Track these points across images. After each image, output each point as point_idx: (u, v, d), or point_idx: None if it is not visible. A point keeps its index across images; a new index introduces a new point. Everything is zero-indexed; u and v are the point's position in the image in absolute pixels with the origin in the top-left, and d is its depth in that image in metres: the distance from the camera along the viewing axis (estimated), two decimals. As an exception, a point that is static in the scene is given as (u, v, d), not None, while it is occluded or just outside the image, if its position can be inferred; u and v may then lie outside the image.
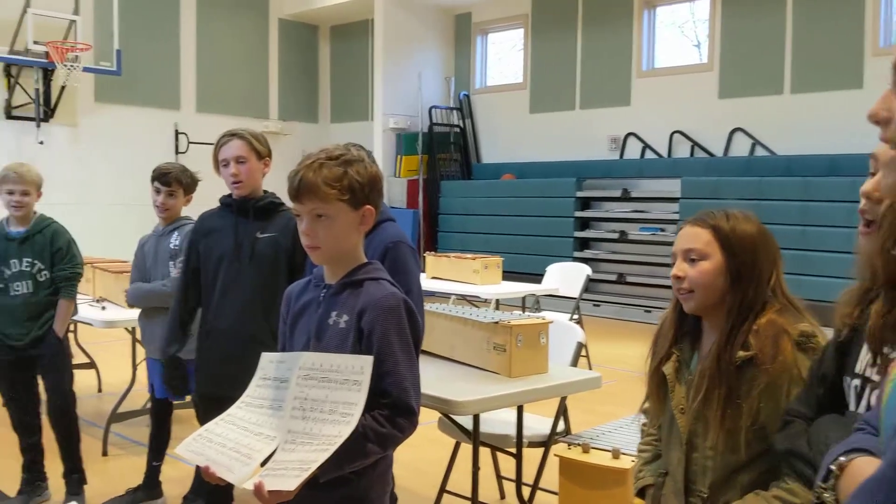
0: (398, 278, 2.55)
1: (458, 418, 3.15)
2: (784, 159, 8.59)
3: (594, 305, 9.49)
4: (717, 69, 9.32)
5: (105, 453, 4.34)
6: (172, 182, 3.51)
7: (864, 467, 0.95)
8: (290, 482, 1.55)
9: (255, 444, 1.67)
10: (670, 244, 7.81)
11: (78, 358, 5.91)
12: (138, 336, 4.00)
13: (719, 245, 1.83)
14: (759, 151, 8.97)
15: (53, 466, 3.66)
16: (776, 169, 8.54)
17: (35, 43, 9.38)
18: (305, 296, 1.88)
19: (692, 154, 9.51)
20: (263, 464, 1.65)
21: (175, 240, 3.55)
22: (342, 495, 1.74)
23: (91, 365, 5.63)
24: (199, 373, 2.96)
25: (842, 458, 1.00)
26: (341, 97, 12.95)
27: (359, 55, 12.49)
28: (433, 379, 2.95)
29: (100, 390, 5.66)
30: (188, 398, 3.55)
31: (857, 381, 1.43)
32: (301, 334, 1.84)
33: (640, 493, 2.04)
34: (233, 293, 2.86)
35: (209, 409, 2.87)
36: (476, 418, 3.05)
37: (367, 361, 1.67)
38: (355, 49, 12.59)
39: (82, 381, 5.61)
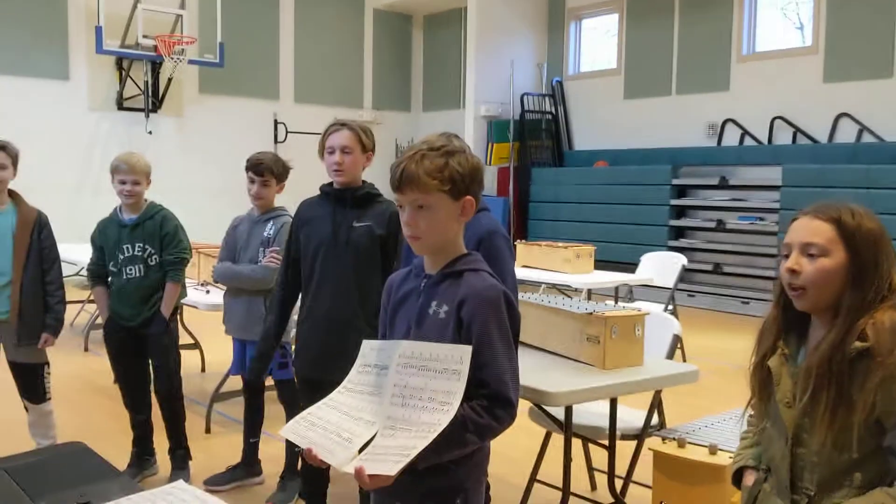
0: (492, 268, 2.56)
1: (549, 409, 3.16)
2: (894, 146, 8.19)
3: (689, 296, 9.29)
4: (822, 52, 8.94)
5: (208, 430, 4.54)
6: (265, 172, 3.61)
7: None
8: (391, 467, 1.59)
9: (355, 429, 1.71)
10: (770, 234, 7.64)
11: (183, 339, 6.20)
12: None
13: (843, 242, 1.73)
14: (867, 138, 8.58)
15: (161, 442, 3.85)
16: (885, 156, 8.15)
17: (144, 37, 9.80)
18: (406, 285, 1.91)
19: (794, 141, 9.17)
20: (362, 448, 1.69)
21: (269, 229, 3.65)
22: (439, 483, 1.77)
23: (195, 345, 5.88)
24: (299, 356, 3.05)
25: None
26: (433, 86, 13.03)
27: (451, 44, 12.53)
28: (525, 369, 2.90)
29: (203, 370, 5.90)
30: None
31: None
32: (401, 323, 1.88)
33: (736, 478, 1.98)
34: (330, 280, 2.94)
35: (308, 390, 2.97)
36: (568, 409, 3.04)
37: (466, 351, 1.69)
38: (448, 37, 12.63)
39: (187, 361, 5.84)
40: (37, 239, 3.56)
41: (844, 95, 8.75)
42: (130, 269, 3.62)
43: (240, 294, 3.72)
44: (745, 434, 2.05)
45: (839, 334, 1.71)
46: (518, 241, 7.18)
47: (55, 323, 3.60)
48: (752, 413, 2.04)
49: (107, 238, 3.66)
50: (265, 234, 3.67)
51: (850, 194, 7.66)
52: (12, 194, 3.60)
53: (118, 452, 3.88)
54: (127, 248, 3.62)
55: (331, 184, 3.02)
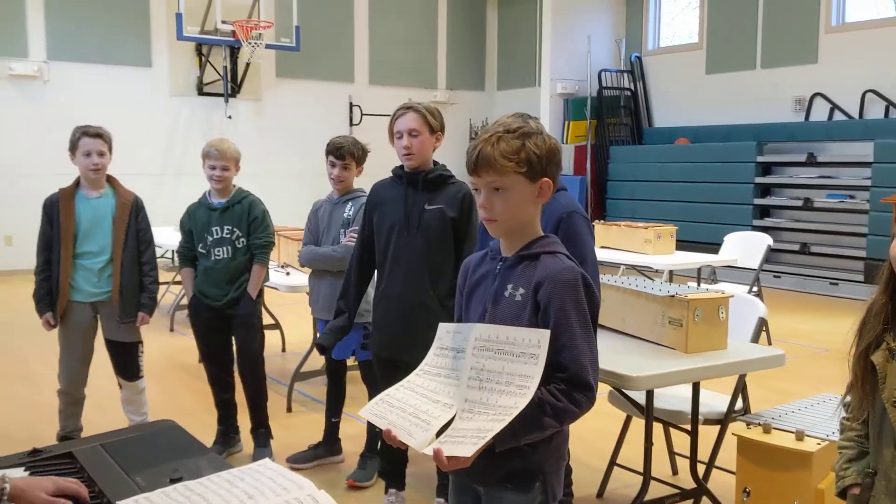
0: (572, 249, 2.51)
1: (630, 393, 3.11)
2: None
3: (774, 277, 9.02)
4: (920, 20, 8.49)
5: (289, 409, 4.63)
6: (346, 155, 3.66)
7: None
8: (468, 449, 1.59)
9: (433, 411, 1.72)
10: (860, 212, 7.35)
11: (265, 320, 6.33)
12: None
13: None
14: (968, 110, 8.13)
15: (244, 421, 3.95)
16: None
17: (223, 22, 9.98)
18: (482, 268, 1.90)
19: (887, 115, 8.75)
20: (441, 431, 1.69)
21: (349, 210, 3.71)
22: (518, 466, 1.76)
23: (276, 326, 6.00)
24: (375, 337, 3.08)
25: None
26: (508, 64, 12.91)
27: (526, 20, 12.38)
28: (605, 351, 2.85)
29: (284, 350, 6.02)
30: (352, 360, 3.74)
31: None
32: (477, 305, 1.87)
33: (842, 493, 1.85)
34: (402, 261, 2.95)
35: (384, 369, 3.01)
36: (650, 394, 2.99)
37: (544, 335, 1.67)
38: (523, 14, 12.48)
39: (268, 342, 5.96)
40: (134, 221, 3.69)
41: (943, 65, 8.30)
42: (219, 251, 3.72)
43: (324, 275, 3.79)
44: (843, 443, 1.91)
45: None
46: (596, 221, 7.07)
47: (150, 302, 3.73)
48: (846, 416, 1.91)
49: (196, 221, 3.77)
50: (345, 214, 3.73)
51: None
52: (110, 179, 3.73)
53: (204, 429, 4.00)
54: (216, 230, 3.73)
55: (402, 166, 3.03)
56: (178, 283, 4.16)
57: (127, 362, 3.78)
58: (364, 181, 3.58)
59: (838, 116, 9.18)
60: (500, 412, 1.63)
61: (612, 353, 2.92)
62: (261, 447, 3.85)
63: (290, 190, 10.29)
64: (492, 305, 1.82)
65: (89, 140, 3.57)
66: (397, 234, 2.97)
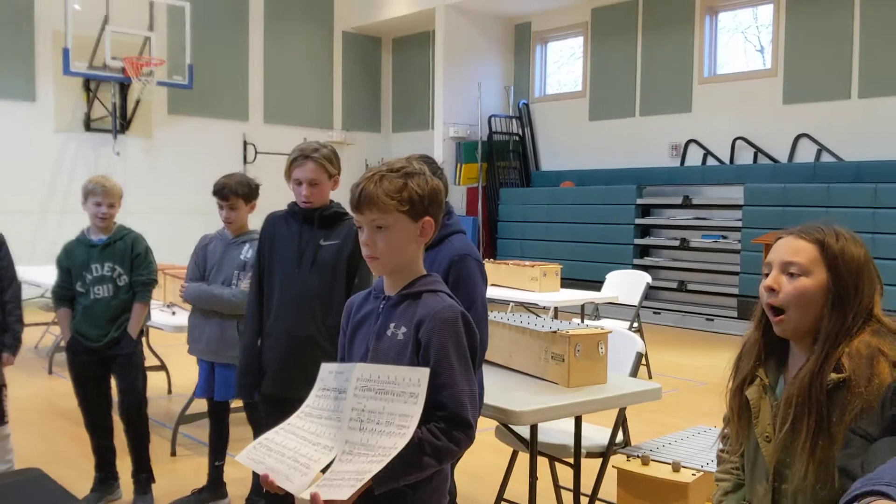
0: (462, 291, 2.57)
1: (515, 427, 3.19)
2: (852, 165, 8.39)
3: (654, 313, 9.40)
4: (782, 74, 9.15)
5: (174, 453, 4.49)
6: (230, 196, 3.61)
7: None
8: (345, 492, 1.58)
9: (313, 454, 1.69)
10: (733, 251, 7.78)
11: (149, 361, 6.14)
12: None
13: (825, 264, 1.69)
14: (826, 157, 8.78)
15: (124, 466, 3.81)
16: (844, 175, 8.34)
17: (112, 59, 9.74)
18: (365, 307, 1.92)
19: (755, 160, 9.35)
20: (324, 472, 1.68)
21: (246, 251, 3.63)
22: None
23: (162, 367, 5.83)
24: (264, 374, 3.03)
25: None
26: (403, 107, 13.10)
27: (420, 66, 12.62)
28: (491, 387, 2.97)
29: (170, 392, 5.85)
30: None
31: None
32: (360, 345, 1.88)
33: None
34: (293, 297, 2.93)
35: (270, 407, 2.95)
36: (534, 428, 3.07)
37: (423, 374, 1.68)
38: (417, 60, 12.73)
39: (153, 384, 5.79)
40: None
41: (804, 116, 8.95)
42: (98, 289, 3.61)
43: (212, 316, 3.68)
44: (720, 475, 1.95)
45: (817, 362, 1.66)
46: (487, 259, 7.22)
47: (14, 342, 3.57)
48: (723, 448, 1.97)
49: (74, 259, 3.64)
50: (242, 256, 3.64)
51: (810, 212, 7.83)
52: None
53: (81, 477, 3.84)
54: (96, 267, 3.61)
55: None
56: (57, 323, 4.00)
57: None
58: (259, 219, 3.56)
59: (711, 161, 9.73)
60: (379, 453, 1.62)
61: (497, 389, 2.99)
62: (141, 494, 3.72)
63: (181, 228, 10.02)
64: (374, 345, 1.83)
65: None
66: (290, 270, 2.95)
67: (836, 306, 1.69)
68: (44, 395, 5.68)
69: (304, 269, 2.94)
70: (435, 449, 1.70)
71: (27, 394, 5.69)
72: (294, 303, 2.94)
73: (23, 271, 4.32)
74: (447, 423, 1.72)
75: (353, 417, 1.71)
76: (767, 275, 1.76)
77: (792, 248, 1.73)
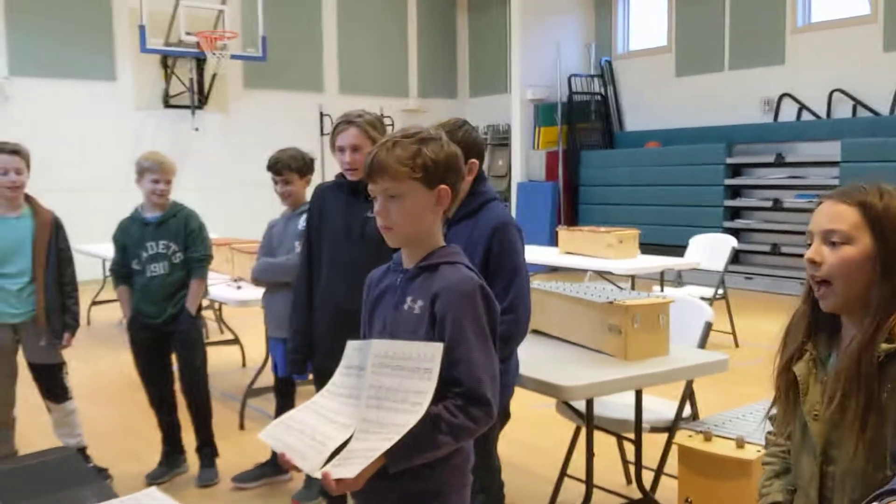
0: (507, 259, 2.49)
1: (574, 402, 3.04)
2: (962, 115, 7.75)
3: (746, 278, 8.99)
4: (882, 19, 8.50)
5: (242, 426, 4.53)
6: (283, 170, 3.61)
7: None
8: (352, 469, 1.53)
9: (330, 433, 1.65)
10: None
11: (223, 335, 6.25)
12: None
13: (868, 227, 1.54)
14: (933, 107, 8.14)
15: (192, 439, 3.85)
16: (952, 126, 7.72)
17: (187, 34, 9.90)
18: (384, 281, 1.84)
19: (854, 114, 8.75)
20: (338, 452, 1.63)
21: (303, 222, 3.62)
22: (415, 488, 1.69)
23: (235, 341, 5.91)
24: (315, 347, 3.00)
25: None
26: (479, 71, 12.88)
27: (496, 27, 12.35)
28: (545, 361, 2.86)
29: (244, 365, 5.93)
30: (310, 376, 3.65)
31: None
32: (378, 321, 1.81)
33: None
34: (342, 270, 2.87)
35: (323, 382, 2.91)
36: (589, 403, 2.92)
37: (437, 349, 1.61)
38: (493, 21, 12.46)
39: (228, 358, 5.92)
40: (54, 241, 3.59)
41: (907, 64, 8.31)
42: (154, 267, 3.63)
43: (277, 291, 3.68)
44: (768, 459, 1.84)
45: (867, 334, 1.53)
46: (560, 226, 7.01)
47: (74, 322, 3.64)
48: (771, 430, 1.86)
49: (129, 236, 3.68)
50: (300, 227, 3.64)
51: (914, 167, 7.29)
52: (28, 198, 3.62)
53: (152, 449, 3.91)
54: (151, 245, 3.64)
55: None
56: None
57: (51, 385, 3.67)
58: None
59: (806, 116, 9.18)
60: (391, 431, 1.57)
61: (553, 362, 2.87)
62: (206, 467, 3.77)
63: (258, 203, 10.17)
64: (391, 320, 1.76)
65: (5, 157, 3.46)
66: (338, 242, 2.90)
67: (886, 273, 1.53)
68: (123, 368, 5.84)
69: (351, 240, 2.88)
70: (451, 427, 1.62)
71: (106, 369, 5.87)
72: (343, 275, 2.88)
73: (107, 249, 4.42)
74: (464, 399, 1.64)
75: (370, 395, 1.66)
76: (810, 245, 1.60)
77: (832, 215, 1.58)
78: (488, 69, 12.62)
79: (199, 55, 10.15)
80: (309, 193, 3.71)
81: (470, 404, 1.63)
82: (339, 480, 1.55)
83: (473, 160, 2.52)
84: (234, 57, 10.26)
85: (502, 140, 12.11)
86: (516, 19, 11.16)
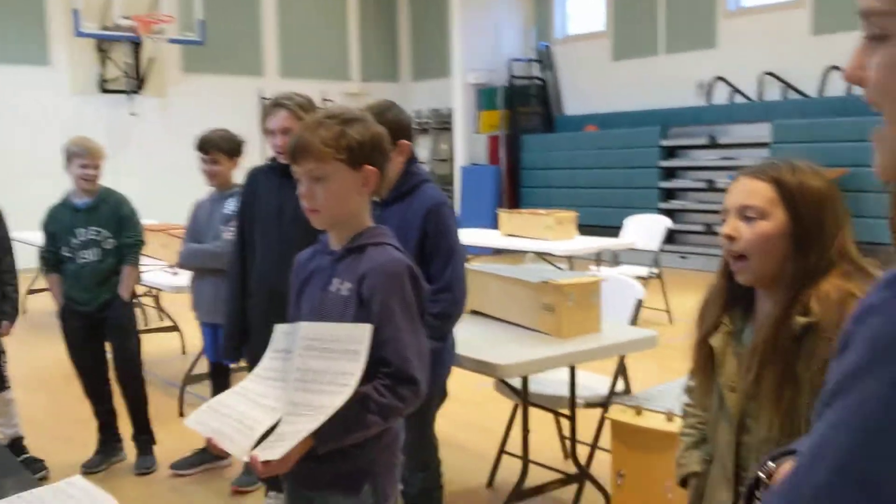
0: (444, 240, 2.52)
1: (510, 380, 3.11)
2: (885, 97, 8.02)
3: (681, 258, 9.20)
4: (811, 4, 8.75)
5: (181, 413, 4.51)
6: (210, 150, 3.59)
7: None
8: (279, 451, 1.54)
9: (258, 416, 1.66)
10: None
11: (162, 322, 6.18)
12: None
13: (783, 203, 1.57)
14: (857, 91, 8.38)
15: (128, 428, 3.82)
16: (876, 108, 7.99)
17: (123, 18, 9.67)
18: (312, 263, 1.85)
19: (784, 96, 9.01)
20: (267, 436, 1.64)
21: (230, 205, 3.61)
22: (345, 468, 1.71)
23: (174, 328, 5.85)
24: (250, 332, 3.00)
25: (770, 464, 0.84)
26: (421, 55, 12.86)
27: (438, 11, 12.33)
28: (482, 341, 2.91)
29: (184, 352, 5.87)
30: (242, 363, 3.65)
31: None
32: (306, 303, 1.82)
33: (683, 482, 1.82)
34: (275, 254, 2.86)
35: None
36: (525, 381, 2.99)
37: (365, 330, 1.62)
38: (434, 4, 12.43)
39: (167, 345, 5.86)
40: None
41: (834, 47, 8.54)
42: (85, 254, 3.58)
43: (205, 276, 3.68)
44: (685, 430, 1.87)
45: (782, 307, 1.57)
46: (501, 209, 7.09)
47: (12, 311, 3.58)
48: (689, 402, 1.89)
49: (59, 223, 3.61)
50: (225, 210, 3.63)
51: (840, 148, 7.54)
52: None
53: (90, 438, 3.86)
54: (81, 232, 3.58)
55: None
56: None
57: None
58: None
59: (738, 99, 9.40)
60: (319, 412, 1.58)
61: (489, 342, 2.93)
62: (143, 455, 3.75)
63: (197, 188, 10.02)
64: (319, 302, 1.77)
65: None
66: (271, 225, 2.89)
67: (800, 247, 1.57)
68: (57, 357, 5.74)
69: (284, 224, 2.87)
70: (380, 406, 1.64)
71: (44, 359, 5.75)
72: (276, 259, 2.87)
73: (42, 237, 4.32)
74: (392, 379, 1.66)
75: (297, 378, 1.66)
76: (725, 221, 1.64)
77: (747, 191, 1.61)
78: (430, 53, 12.61)
79: (135, 39, 9.93)
80: (239, 177, 3.73)
81: (398, 384, 1.65)
82: (266, 462, 1.56)
83: (403, 141, 2.53)
84: (171, 41, 10.08)
85: (445, 124, 12.13)
86: (457, 3, 11.17)
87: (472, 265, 3.00)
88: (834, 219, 1.59)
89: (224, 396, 1.76)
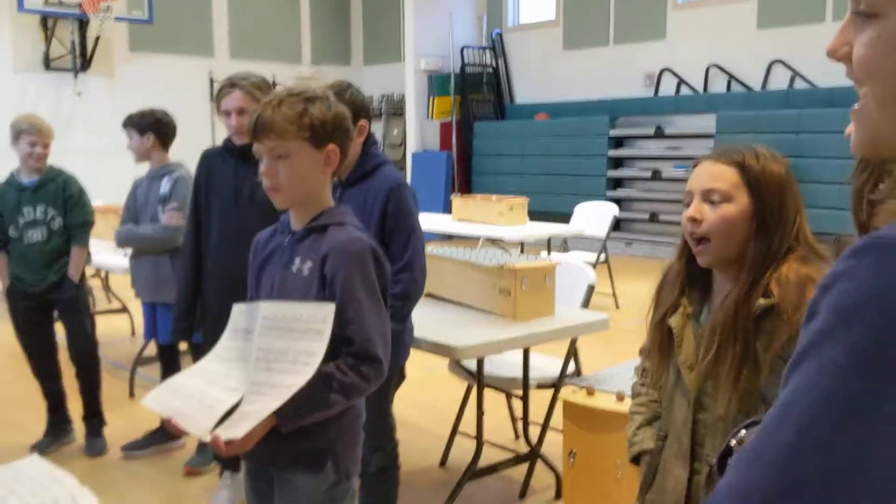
0: (404, 221, 2.55)
1: (464, 362, 3.17)
2: (825, 91, 8.28)
3: (626, 245, 9.38)
4: (756, -2, 8.97)
5: (132, 395, 4.47)
6: (125, 126, 3.61)
7: None
8: (241, 430, 1.55)
9: (219, 395, 1.66)
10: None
11: (112, 304, 6.10)
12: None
13: (746, 186, 1.61)
14: (799, 84, 8.66)
15: (78, 409, 3.78)
16: (817, 101, 8.24)
17: (68, -7, 9.43)
18: (271, 243, 1.85)
19: (729, 88, 9.22)
20: (228, 415, 1.64)
21: (165, 185, 3.61)
22: (307, 446, 1.72)
23: (124, 310, 5.78)
24: (205, 315, 2.99)
25: (742, 432, 0.86)
26: (373, 39, 12.80)
27: (390, -5, 12.30)
28: (439, 323, 2.96)
29: (133, 334, 5.80)
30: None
31: None
32: (266, 283, 1.82)
33: (635, 459, 1.85)
34: (232, 237, 2.85)
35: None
36: (480, 362, 3.05)
37: (329, 309, 1.63)
38: (386, -11, 12.39)
39: (117, 326, 5.79)
40: None
41: (777, 42, 8.80)
42: (32, 233, 3.52)
43: (144, 256, 3.69)
44: (635, 408, 1.90)
45: (744, 289, 1.60)
46: (454, 194, 7.14)
47: None
48: (640, 381, 1.93)
49: (5, 202, 3.54)
50: (161, 191, 3.62)
51: (782, 139, 7.75)
52: None
53: (40, 420, 3.81)
54: (28, 211, 3.52)
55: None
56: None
57: None
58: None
59: (685, 91, 9.60)
60: (282, 391, 1.59)
61: (446, 324, 2.97)
62: (94, 437, 3.71)
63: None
64: (279, 281, 1.77)
65: None
66: (228, 208, 2.88)
67: (761, 230, 1.62)
68: (4, 338, 5.62)
69: (241, 206, 2.87)
70: (342, 385, 1.65)
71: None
72: (233, 242, 2.86)
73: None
74: (355, 358, 1.68)
75: (259, 357, 1.67)
76: (688, 204, 1.68)
77: (711, 174, 1.65)
78: (382, 37, 12.55)
79: (81, 16, 9.69)
80: (172, 157, 3.76)
81: (361, 363, 1.67)
82: (229, 442, 1.56)
83: (363, 121, 2.55)
84: (118, 19, 9.84)
85: (397, 109, 12.12)
86: (409, -12, 11.14)
87: (428, 249, 3.04)
88: (793, 203, 1.64)
89: (182, 376, 1.76)
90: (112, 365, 5.00)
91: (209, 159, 2.99)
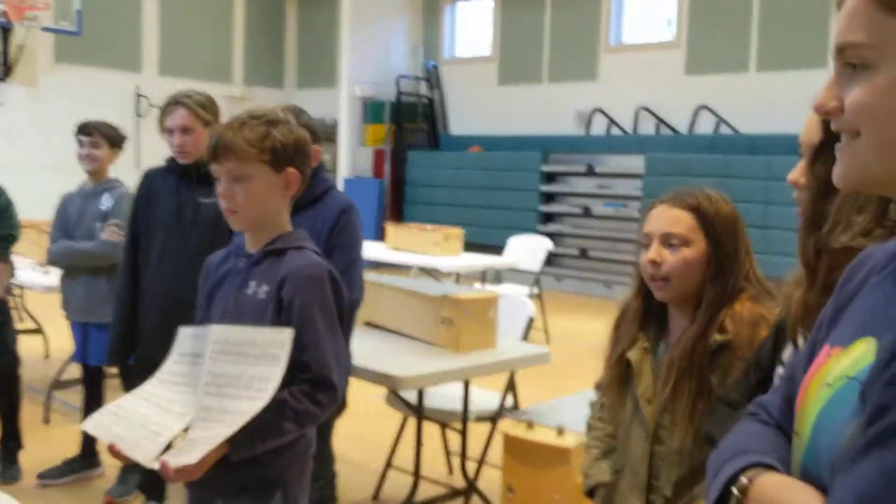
0: (349, 241, 2.58)
1: (403, 393, 3.12)
2: (748, 138, 8.61)
3: (556, 280, 9.49)
4: (685, 45, 9.28)
5: (47, 420, 4.26)
6: (93, 132, 3.45)
7: (775, 490, 0.83)
8: (193, 456, 1.51)
9: (165, 422, 1.60)
10: (632, 220, 7.87)
11: (25, 324, 5.81)
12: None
13: (703, 230, 1.71)
14: (724, 129, 8.98)
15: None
16: (740, 147, 8.55)
17: (-8, 0, 9.10)
18: (225, 266, 1.81)
19: (657, 131, 9.50)
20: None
21: (106, 201, 3.47)
22: (256, 476, 1.67)
23: (38, 330, 5.52)
24: (141, 338, 2.89)
25: (743, 479, 0.85)
26: (307, 63, 12.73)
27: (326, 19, 12.25)
28: (379, 352, 2.91)
29: (47, 356, 5.55)
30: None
31: (782, 370, 1.33)
32: (218, 306, 1.77)
33: (590, 493, 1.87)
34: (172, 258, 2.79)
35: (148, 373, 2.81)
36: (420, 393, 3.01)
37: (287, 335, 1.60)
38: (323, 14, 12.35)
39: (30, 347, 5.51)
40: None
41: (705, 88, 9.11)
42: None
43: (79, 274, 3.51)
44: (592, 442, 1.92)
45: (701, 326, 1.68)
46: (390, 222, 7.11)
47: None
48: (597, 416, 1.95)
49: None
50: (101, 207, 3.48)
51: (708, 182, 7.67)
52: None
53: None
54: None
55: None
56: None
57: None
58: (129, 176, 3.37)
59: (615, 131, 9.83)
60: (236, 417, 1.54)
61: (386, 354, 2.93)
62: (8, 463, 3.51)
63: (68, 184, 9.50)
64: (233, 305, 1.73)
65: None
66: (169, 229, 2.81)
67: (718, 272, 1.70)
68: None
69: (183, 227, 2.80)
70: (297, 413, 1.62)
71: None
72: (173, 263, 2.79)
73: None
74: (311, 385, 1.64)
75: (209, 382, 1.62)
76: (647, 246, 1.75)
77: (670, 219, 1.73)
78: (317, 62, 12.49)
79: (6, 24, 9.35)
80: (112, 173, 3.62)
81: (317, 390, 1.64)
82: (178, 469, 1.51)
83: (316, 146, 2.54)
84: (45, 29, 9.54)
85: (329, 135, 12.04)
86: (346, 15, 11.14)
87: (365, 276, 3.01)
88: (744, 244, 1.74)
89: (124, 401, 1.69)
90: (25, 388, 4.74)
91: (151, 178, 2.92)
